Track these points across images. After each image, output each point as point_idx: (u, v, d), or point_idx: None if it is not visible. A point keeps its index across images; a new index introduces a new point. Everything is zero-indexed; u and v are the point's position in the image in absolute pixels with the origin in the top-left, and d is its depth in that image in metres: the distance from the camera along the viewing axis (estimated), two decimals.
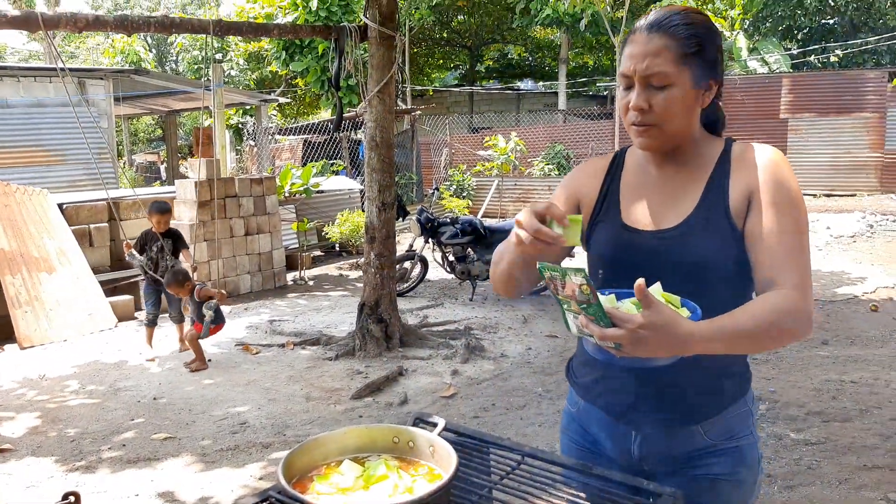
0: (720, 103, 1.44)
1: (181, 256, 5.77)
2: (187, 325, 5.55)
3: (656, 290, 1.22)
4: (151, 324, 5.70)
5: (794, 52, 20.06)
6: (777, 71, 18.49)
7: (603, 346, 1.17)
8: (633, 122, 1.34)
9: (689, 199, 1.39)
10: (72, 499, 1.25)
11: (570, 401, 1.62)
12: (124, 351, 5.73)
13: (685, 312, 1.22)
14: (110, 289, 7.09)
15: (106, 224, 7.64)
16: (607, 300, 1.20)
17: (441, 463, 1.27)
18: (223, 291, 5.49)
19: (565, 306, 1.20)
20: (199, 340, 5.22)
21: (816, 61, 20.07)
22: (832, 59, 19.67)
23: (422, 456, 1.32)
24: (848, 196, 14.16)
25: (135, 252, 5.54)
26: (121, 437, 4.00)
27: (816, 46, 19.92)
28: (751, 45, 20.57)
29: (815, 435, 3.69)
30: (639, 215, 1.42)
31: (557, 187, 1.57)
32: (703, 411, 1.41)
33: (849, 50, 19.07)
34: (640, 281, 1.11)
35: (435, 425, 1.41)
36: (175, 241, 5.72)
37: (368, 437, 1.37)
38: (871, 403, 4.10)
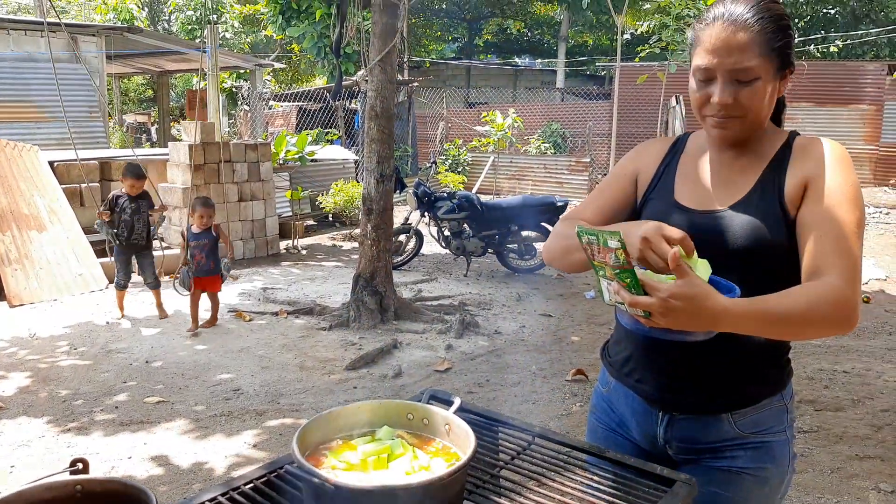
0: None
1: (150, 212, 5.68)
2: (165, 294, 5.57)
3: (704, 265, 1.20)
4: (122, 287, 5.62)
5: (796, 40, 19.95)
6: None
7: (632, 314, 1.16)
8: (714, 115, 1.32)
9: (743, 183, 1.37)
10: (80, 465, 1.22)
11: (602, 380, 1.61)
12: (115, 313, 5.68)
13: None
14: (101, 249, 7.00)
15: (97, 184, 7.53)
16: (643, 274, 1.17)
17: (457, 441, 1.25)
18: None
19: (600, 273, 1.19)
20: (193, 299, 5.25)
21: (816, 51, 20.00)
22: (832, 49, 19.61)
23: (437, 434, 1.29)
24: None
25: (104, 221, 5.42)
26: (113, 400, 3.97)
27: (817, 36, 19.85)
28: None
29: (808, 423, 3.72)
30: (691, 195, 1.41)
31: (613, 170, 1.57)
32: (736, 400, 1.38)
33: (849, 41, 19.02)
34: (675, 249, 1.10)
35: (450, 403, 1.39)
36: (146, 202, 5.61)
37: (382, 412, 1.34)
38: (863, 394, 4.14)
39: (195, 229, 5.24)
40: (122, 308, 5.65)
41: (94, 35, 11.25)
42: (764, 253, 1.30)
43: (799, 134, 1.40)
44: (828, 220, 1.24)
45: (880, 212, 11.34)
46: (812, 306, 1.16)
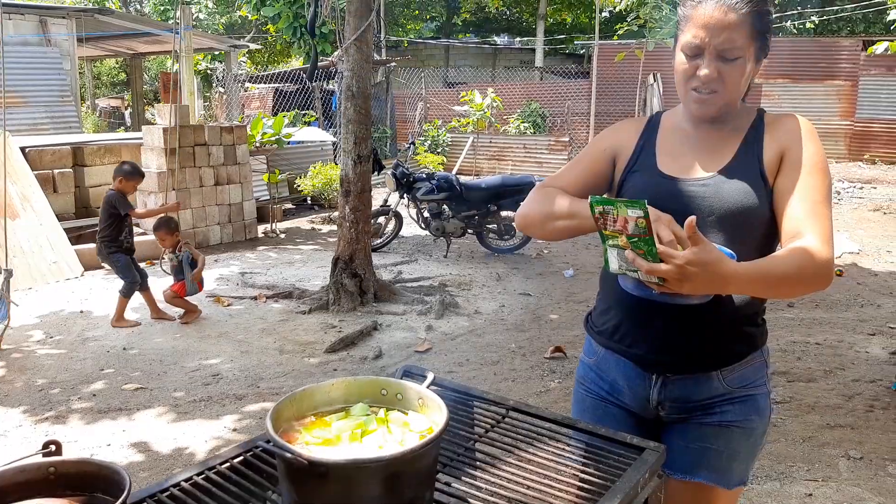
0: None
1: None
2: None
3: None
4: (130, 294, 5.04)
5: (773, 16, 20.03)
6: None
7: (646, 280, 1.21)
8: (696, 89, 1.39)
9: (724, 153, 1.46)
10: (52, 447, 1.22)
11: (588, 351, 1.65)
12: (91, 300, 5.62)
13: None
14: (75, 236, 6.93)
15: (70, 169, 7.42)
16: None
17: (430, 416, 1.26)
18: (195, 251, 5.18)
19: (610, 242, 1.22)
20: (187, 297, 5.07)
21: (792, 27, 20.10)
22: (808, 25, 19.73)
23: (410, 408, 1.30)
24: None
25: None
26: (91, 388, 3.95)
27: (793, 12, 19.94)
28: None
29: (781, 394, 3.79)
30: (675, 165, 1.48)
31: (589, 145, 1.62)
32: (725, 359, 1.47)
33: (825, 17, 19.14)
34: (692, 218, 1.15)
35: (424, 378, 1.40)
36: None
37: (356, 388, 1.35)
38: (834, 365, 4.23)
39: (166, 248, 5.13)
40: (157, 307, 5.13)
41: (64, 17, 11.00)
42: (747, 218, 1.40)
43: (763, 110, 1.50)
44: (804, 187, 1.37)
45: (854, 186, 11.49)
46: (802, 267, 1.28)
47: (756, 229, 1.41)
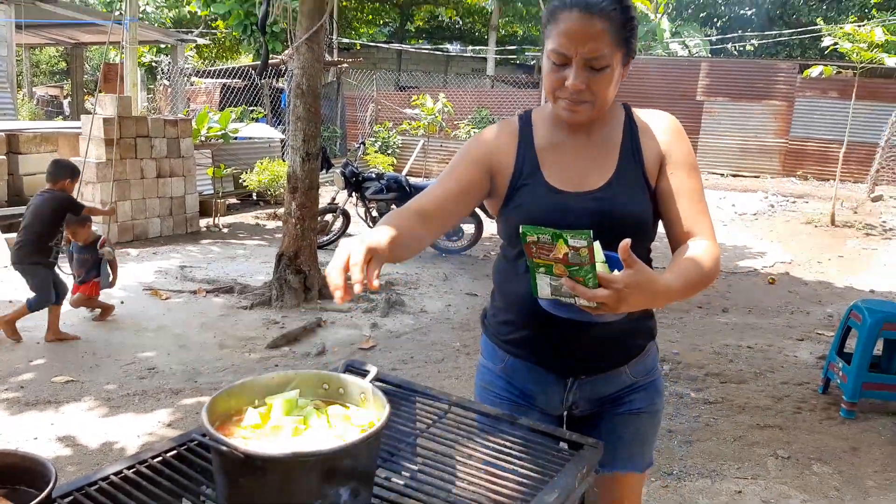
0: None
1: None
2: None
3: (598, 249, 1.22)
4: (37, 310, 4.40)
5: (714, 38, 20.77)
6: (697, 55, 19.07)
7: (583, 306, 1.19)
8: (567, 98, 1.37)
9: (608, 160, 1.47)
10: None
11: (492, 358, 1.64)
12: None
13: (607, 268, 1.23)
14: (6, 225, 6.64)
15: (4, 157, 7.10)
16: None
17: (372, 410, 1.25)
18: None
19: (541, 269, 1.20)
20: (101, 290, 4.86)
21: (733, 49, 20.85)
22: (748, 47, 20.50)
23: (352, 403, 1.29)
24: (753, 177, 14.92)
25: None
26: (19, 379, 3.79)
27: (734, 35, 20.69)
28: (673, 29, 21.14)
29: (714, 395, 3.92)
30: (563, 178, 1.46)
31: (459, 156, 1.50)
32: (631, 353, 1.54)
33: (764, 41, 19.91)
34: (627, 241, 1.14)
35: (366, 373, 1.39)
36: None
37: (296, 382, 1.33)
38: (764, 367, 4.39)
39: (80, 242, 4.76)
40: (58, 329, 4.46)
41: (2, 2, 10.54)
42: (639, 224, 1.44)
43: (630, 106, 1.52)
44: (686, 189, 1.44)
45: (788, 200, 11.97)
46: (708, 269, 1.35)
47: (645, 234, 1.46)
